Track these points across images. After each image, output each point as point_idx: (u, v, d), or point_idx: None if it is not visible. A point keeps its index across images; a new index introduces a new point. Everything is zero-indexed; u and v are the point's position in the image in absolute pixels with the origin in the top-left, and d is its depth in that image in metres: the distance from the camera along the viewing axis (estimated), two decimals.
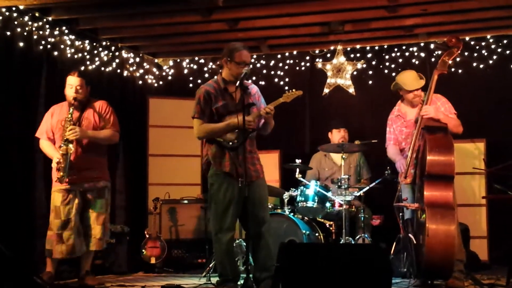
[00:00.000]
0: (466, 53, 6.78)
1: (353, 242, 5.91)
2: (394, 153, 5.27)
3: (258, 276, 4.67)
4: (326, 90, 7.28)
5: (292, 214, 6.16)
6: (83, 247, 5.26)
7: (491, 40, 6.76)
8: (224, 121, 4.65)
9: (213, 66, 7.74)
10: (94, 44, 6.78)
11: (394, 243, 5.65)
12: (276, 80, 7.46)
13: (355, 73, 7.24)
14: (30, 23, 5.95)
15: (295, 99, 4.75)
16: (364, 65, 7.22)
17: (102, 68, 6.91)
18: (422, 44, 7.00)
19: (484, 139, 6.69)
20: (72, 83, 5.23)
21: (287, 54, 7.49)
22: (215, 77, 4.88)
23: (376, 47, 7.22)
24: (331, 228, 6.24)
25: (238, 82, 4.52)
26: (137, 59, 7.48)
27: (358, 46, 7.22)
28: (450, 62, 5.01)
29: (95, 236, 5.30)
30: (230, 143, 4.60)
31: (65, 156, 5.10)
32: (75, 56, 6.53)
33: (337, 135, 6.64)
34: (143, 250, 6.53)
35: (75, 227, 5.21)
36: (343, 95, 7.27)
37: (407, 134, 5.20)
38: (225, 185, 4.65)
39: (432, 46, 6.92)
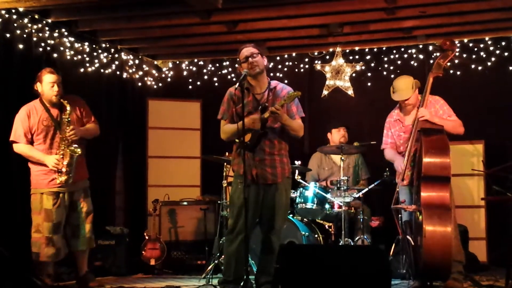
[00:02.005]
0: (464, 55, 6.80)
1: (352, 244, 5.93)
2: (392, 154, 5.29)
3: (259, 279, 4.68)
4: (325, 92, 7.29)
5: (291, 215, 6.16)
6: (66, 249, 5.20)
7: (489, 42, 6.78)
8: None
9: (212, 68, 7.76)
10: (94, 46, 6.79)
11: (393, 245, 5.67)
12: None
13: (354, 75, 7.25)
14: (29, 25, 5.96)
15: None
16: (363, 67, 7.23)
17: (102, 70, 6.93)
18: (420, 46, 7.02)
19: (483, 140, 6.70)
20: (53, 80, 5.11)
21: (286, 56, 7.51)
22: None
23: (375, 49, 7.23)
24: (330, 230, 6.25)
25: (237, 84, 4.52)
26: (137, 61, 7.49)
27: (356, 48, 7.23)
28: (445, 64, 5.02)
29: (85, 235, 5.23)
30: (244, 144, 4.57)
31: (72, 158, 5.06)
32: (75, 58, 6.54)
33: (337, 135, 6.64)
34: (143, 252, 6.53)
35: (63, 230, 5.17)
36: (342, 97, 7.28)
37: (405, 139, 5.20)
38: (240, 187, 4.60)
39: (430, 48, 6.94)
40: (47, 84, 5.12)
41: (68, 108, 5.10)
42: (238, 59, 4.75)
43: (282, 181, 4.67)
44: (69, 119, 5.10)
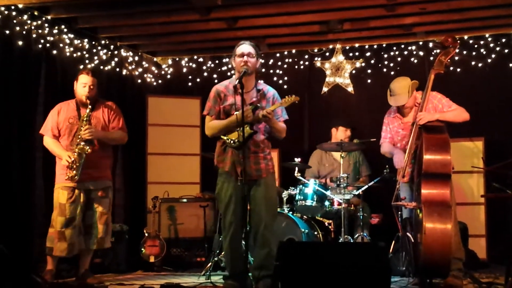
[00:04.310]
0: (464, 52, 6.80)
1: (352, 241, 5.93)
2: (389, 147, 5.28)
3: (257, 274, 4.69)
4: (325, 89, 7.29)
5: (291, 212, 6.17)
6: (81, 246, 5.29)
7: (489, 39, 6.78)
8: None
9: (212, 65, 7.76)
10: (93, 42, 6.78)
11: (393, 242, 5.66)
12: (275, 78, 7.47)
13: (353, 71, 7.25)
14: (29, 21, 5.95)
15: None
16: (363, 64, 7.23)
17: (101, 67, 6.92)
18: (420, 43, 7.02)
19: (483, 137, 6.70)
20: (86, 81, 5.28)
21: (286, 52, 7.51)
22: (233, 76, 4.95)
23: (375, 46, 7.23)
24: (330, 227, 6.25)
25: (237, 80, 4.53)
26: (136, 58, 7.49)
27: (356, 45, 7.23)
28: (446, 61, 5.02)
29: (97, 235, 5.31)
30: (232, 142, 4.63)
31: (81, 156, 5.14)
32: (74, 55, 6.54)
33: (342, 134, 6.64)
34: (142, 249, 6.53)
35: (78, 226, 5.23)
36: (342, 93, 7.28)
37: (403, 136, 5.20)
38: (226, 184, 4.74)
39: (430, 44, 6.93)
40: (80, 84, 5.30)
41: (89, 107, 5.22)
42: (234, 51, 4.78)
43: (267, 176, 4.77)
44: (87, 118, 5.20)
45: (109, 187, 5.45)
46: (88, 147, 5.14)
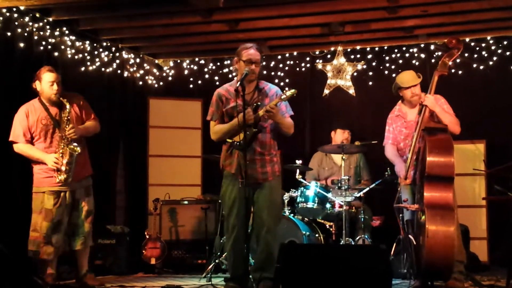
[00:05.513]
0: (466, 54, 6.80)
1: (353, 243, 5.92)
2: (392, 154, 5.26)
3: (257, 276, 4.68)
4: (326, 91, 7.29)
5: (292, 215, 6.16)
6: (66, 247, 5.19)
7: (491, 42, 6.77)
8: None
9: (214, 67, 7.76)
10: (95, 44, 6.79)
11: (394, 244, 5.66)
12: (276, 81, 7.46)
13: (355, 74, 7.25)
14: (30, 23, 5.96)
15: (294, 100, 4.75)
16: (364, 66, 7.23)
17: (103, 69, 6.93)
18: (422, 45, 7.02)
19: (484, 140, 6.70)
20: (52, 79, 5.07)
21: (287, 55, 7.51)
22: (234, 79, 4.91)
23: (376, 48, 7.23)
24: (331, 229, 6.24)
25: (238, 82, 4.51)
26: (138, 60, 7.49)
27: (358, 47, 7.23)
28: (450, 63, 5.02)
29: (84, 234, 5.20)
30: (238, 144, 4.60)
31: (72, 156, 5.03)
32: (76, 57, 6.54)
33: (340, 136, 6.64)
34: (143, 251, 6.53)
35: (64, 228, 5.14)
36: (343, 96, 7.28)
37: (406, 135, 5.20)
38: (231, 186, 4.72)
39: (432, 47, 6.93)
40: (47, 83, 5.09)
41: (67, 106, 5.08)
42: (239, 53, 4.72)
43: (273, 179, 4.74)
44: (68, 117, 5.07)
45: (90, 185, 5.30)
46: (78, 147, 5.01)
